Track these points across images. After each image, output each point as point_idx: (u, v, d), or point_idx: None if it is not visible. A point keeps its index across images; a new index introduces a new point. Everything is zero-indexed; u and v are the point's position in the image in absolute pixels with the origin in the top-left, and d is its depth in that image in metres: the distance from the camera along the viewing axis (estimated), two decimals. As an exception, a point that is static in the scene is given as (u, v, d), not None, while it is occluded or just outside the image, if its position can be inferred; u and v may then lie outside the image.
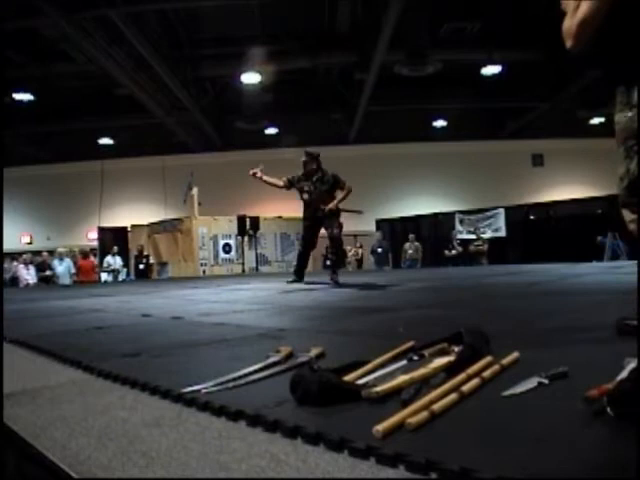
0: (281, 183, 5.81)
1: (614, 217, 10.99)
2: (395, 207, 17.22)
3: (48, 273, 12.28)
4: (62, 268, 12.28)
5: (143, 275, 13.61)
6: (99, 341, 2.19)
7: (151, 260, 13.96)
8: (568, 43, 1.67)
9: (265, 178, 5.74)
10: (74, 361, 1.63)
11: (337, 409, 1.01)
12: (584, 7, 1.58)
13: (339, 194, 5.52)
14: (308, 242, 5.92)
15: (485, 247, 12.81)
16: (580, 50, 1.66)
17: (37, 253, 13.96)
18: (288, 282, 5.81)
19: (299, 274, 5.91)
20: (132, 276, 13.81)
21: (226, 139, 18.15)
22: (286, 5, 11.43)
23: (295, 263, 6.17)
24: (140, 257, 13.78)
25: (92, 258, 13.91)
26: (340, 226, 5.58)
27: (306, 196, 5.67)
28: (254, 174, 5.70)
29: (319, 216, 5.58)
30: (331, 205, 5.45)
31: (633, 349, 1.11)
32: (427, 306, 3.31)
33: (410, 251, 13.44)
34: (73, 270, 12.84)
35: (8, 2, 8.84)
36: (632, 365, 0.96)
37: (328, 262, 7.33)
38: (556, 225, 12.67)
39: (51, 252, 13.27)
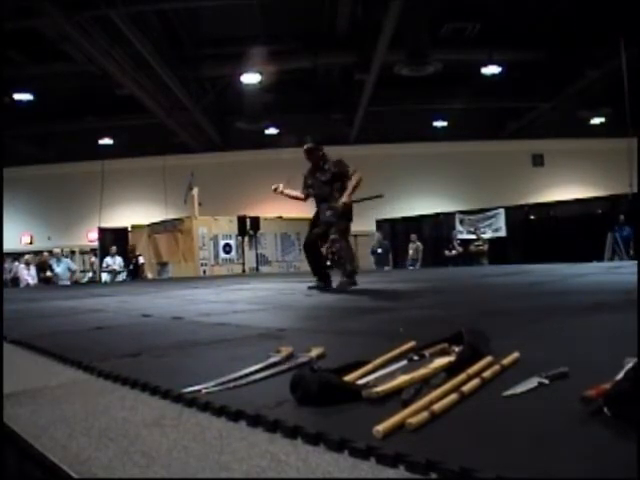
0: (301, 195, 5.18)
1: (614, 217, 11.05)
2: (395, 207, 17.20)
3: (48, 274, 12.34)
4: (60, 269, 12.36)
5: (133, 275, 13.62)
6: (99, 341, 2.19)
7: (140, 260, 13.92)
8: None
9: (287, 192, 5.18)
10: (75, 361, 1.63)
11: (337, 409, 1.01)
12: None
13: (348, 185, 4.76)
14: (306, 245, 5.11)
15: (485, 247, 12.82)
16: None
17: (38, 253, 14.02)
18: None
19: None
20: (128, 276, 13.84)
21: (226, 139, 18.14)
22: (286, 5, 11.42)
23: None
24: (131, 257, 13.80)
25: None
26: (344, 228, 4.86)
27: (310, 191, 5.04)
28: (275, 189, 5.18)
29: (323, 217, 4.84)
30: (345, 199, 4.67)
31: (633, 349, 1.11)
32: (428, 306, 3.31)
33: (410, 251, 13.45)
34: (75, 267, 12.89)
35: (8, 2, 8.83)
36: (629, 365, 0.96)
37: (328, 263, 6.82)
38: (556, 225, 12.67)
39: (51, 252, 13.33)
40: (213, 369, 1.41)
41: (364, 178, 4.94)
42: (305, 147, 4.99)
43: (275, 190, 5.20)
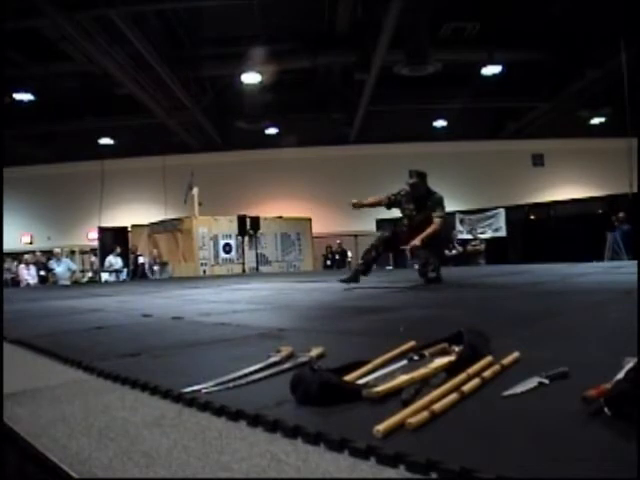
0: (384, 200, 5.42)
1: (614, 217, 11.05)
2: (395, 207, 17.19)
3: (42, 273, 12.36)
4: (60, 269, 12.37)
5: (133, 275, 13.68)
6: (99, 341, 2.19)
7: (140, 260, 13.95)
8: None
9: (367, 202, 5.29)
10: (74, 361, 1.63)
11: (337, 409, 1.01)
12: None
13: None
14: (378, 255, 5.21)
15: (482, 247, 12.82)
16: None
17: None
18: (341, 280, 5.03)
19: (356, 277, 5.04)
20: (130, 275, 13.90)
21: (226, 139, 18.14)
22: (286, 5, 11.42)
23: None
24: (135, 256, 13.87)
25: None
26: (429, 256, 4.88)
27: (406, 221, 5.30)
28: (355, 204, 5.19)
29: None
30: (416, 241, 4.79)
31: (633, 349, 1.11)
32: (428, 306, 3.31)
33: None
34: (74, 267, 12.90)
35: (8, 2, 8.83)
36: (630, 365, 0.96)
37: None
38: (556, 225, 12.67)
39: (50, 252, 13.34)
40: (213, 369, 1.40)
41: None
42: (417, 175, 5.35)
43: (354, 205, 5.20)
